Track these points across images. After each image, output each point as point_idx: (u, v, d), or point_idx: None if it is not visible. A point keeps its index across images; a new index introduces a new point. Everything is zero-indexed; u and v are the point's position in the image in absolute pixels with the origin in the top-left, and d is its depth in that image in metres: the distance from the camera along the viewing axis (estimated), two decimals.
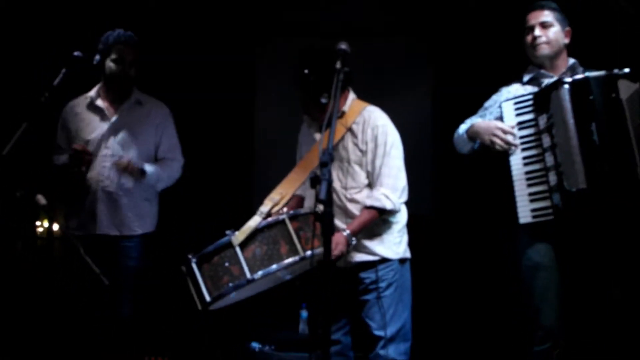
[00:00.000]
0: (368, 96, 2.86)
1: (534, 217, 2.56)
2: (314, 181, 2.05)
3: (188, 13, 4.36)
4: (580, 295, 2.52)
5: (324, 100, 2.61)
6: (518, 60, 2.85)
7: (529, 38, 2.75)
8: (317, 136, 2.79)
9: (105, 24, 3.23)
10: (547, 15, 2.73)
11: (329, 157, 2.08)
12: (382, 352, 2.69)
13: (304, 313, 3.51)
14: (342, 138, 2.75)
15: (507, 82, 2.87)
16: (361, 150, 2.73)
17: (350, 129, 2.75)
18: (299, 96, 2.75)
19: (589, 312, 2.50)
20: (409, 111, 3.99)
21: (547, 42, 2.71)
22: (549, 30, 2.72)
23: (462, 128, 2.82)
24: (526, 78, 2.79)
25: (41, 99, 2.79)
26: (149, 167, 3.15)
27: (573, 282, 2.53)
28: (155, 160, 3.26)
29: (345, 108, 2.77)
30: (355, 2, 4.25)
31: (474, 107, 2.89)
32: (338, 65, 2.27)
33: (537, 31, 2.71)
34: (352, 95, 2.82)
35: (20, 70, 4.04)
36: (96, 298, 2.99)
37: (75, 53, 2.86)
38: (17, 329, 3.63)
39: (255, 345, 3.48)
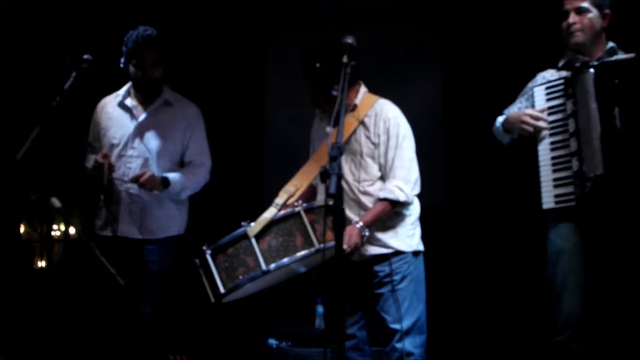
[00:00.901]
0: (378, 88, 2.87)
1: (556, 202, 2.54)
2: (324, 176, 2.06)
3: (193, 13, 4.38)
4: (600, 283, 2.48)
5: (335, 93, 2.62)
6: (529, 50, 2.84)
7: (564, 24, 2.67)
8: (329, 129, 2.79)
9: (114, 24, 3.23)
10: (582, 1, 2.65)
11: (338, 152, 2.09)
12: (398, 345, 2.68)
13: (320, 308, 3.50)
14: (355, 131, 2.76)
15: (519, 72, 2.86)
16: (373, 143, 2.74)
17: (362, 122, 2.76)
18: (309, 90, 2.76)
19: (610, 301, 2.46)
20: (419, 102, 3.99)
21: (582, 30, 2.64)
22: (585, 17, 2.63)
23: (499, 120, 2.82)
24: (561, 63, 2.74)
25: (52, 102, 2.79)
26: (172, 177, 3.06)
27: (594, 269, 2.49)
28: (181, 163, 3.19)
29: (357, 101, 2.78)
30: None
31: (485, 97, 2.89)
32: (345, 59, 2.29)
33: (572, 18, 2.64)
34: (363, 89, 2.83)
35: (31, 74, 4.06)
36: (115, 299, 2.96)
37: (85, 56, 2.85)
38: (37, 331, 3.64)
39: (272, 341, 3.49)
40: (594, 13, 2.66)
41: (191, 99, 3.28)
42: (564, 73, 2.69)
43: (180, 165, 3.20)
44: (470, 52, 4.03)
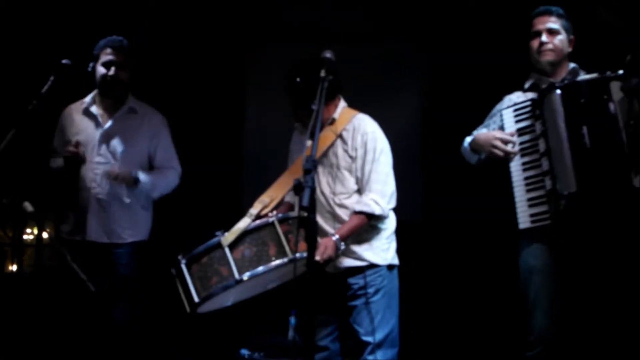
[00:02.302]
0: (356, 102, 2.90)
1: (532, 222, 2.57)
2: (298, 188, 2.07)
3: (178, 12, 4.38)
4: (570, 300, 2.52)
5: (314, 107, 2.64)
6: (507, 66, 2.89)
7: (534, 43, 2.72)
8: (309, 143, 2.82)
9: (97, 29, 3.25)
10: (554, 22, 2.71)
11: (313, 165, 2.11)
12: (370, 357, 2.70)
13: (293, 320, 3.49)
14: (332, 144, 2.79)
15: (496, 90, 2.90)
16: (351, 157, 2.77)
17: (340, 136, 2.79)
18: (290, 104, 2.79)
19: (579, 317, 2.50)
20: (398, 117, 4.05)
21: (553, 50, 2.70)
22: (556, 38, 2.70)
23: (467, 141, 2.85)
24: (527, 85, 2.81)
25: (29, 106, 2.78)
26: (142, 175, 3.14)
27: (564, 288, 2.53)
28: (149, 169, 3.24)
29: (336, 115, 2.81)
30: (344, 7, 4.29)
31: (463, 114, 2.93)
32: (322, 73, 2.33)
33: (544, 37, 2.70)
34: (342, 103, 2.86)
35: (9, 76, 4.04)
36: (85, 305, 2.94)
37: (64, 61, 2.86)
38: (8, 336, 3.59)
39: (245, 351, 3.48)
40: (563, 35, 2.73)
41: (170, 104, 3.31)
42: (530, 95, 2.74)
43: (148, 170, 3.24)
44: (450, 68, 4.08)
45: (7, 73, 4.01)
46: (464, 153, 2.88)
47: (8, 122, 2.72)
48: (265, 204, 2.60)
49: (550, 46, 2.70)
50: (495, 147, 2.67)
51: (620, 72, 2.44)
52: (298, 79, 2.69)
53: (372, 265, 2.74)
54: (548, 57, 2.71)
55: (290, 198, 2.87)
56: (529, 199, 2.58)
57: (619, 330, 2.44)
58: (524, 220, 2.59)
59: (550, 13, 2.74)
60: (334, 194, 2.76)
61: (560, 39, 2.72)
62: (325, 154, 2.78)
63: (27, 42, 4.08)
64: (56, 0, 4.09)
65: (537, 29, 2.73)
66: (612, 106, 2.44)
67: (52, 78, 2.83)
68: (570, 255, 2.51)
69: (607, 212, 2.44)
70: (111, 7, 4.11)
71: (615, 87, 2.45)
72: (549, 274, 2.56)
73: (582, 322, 2.49)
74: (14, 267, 4.45)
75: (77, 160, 3.10)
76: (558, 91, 2.53)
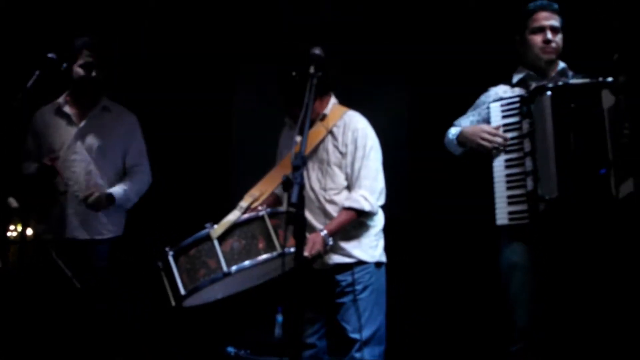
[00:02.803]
0: (344, 100, 2.90)
1: (510, 219, 2.58)
2: (286, 185, 2.07)
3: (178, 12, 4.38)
4: (549, 299, 2.53)
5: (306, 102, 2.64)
6: (493, 63, 2.89)
7: (537, 38, 2.69)
8: (299, 139, 2.82)
9: (97, 29, 3.26)
10: (556, 20, 2.69)
11: (302, 161, 2.11)
12: (357, 355, 2.69)
13: (280, 317, 3.49)
14: (323, 140, 2.79)
15: (481, 85, 2.89)
16: (341, 153, 2.77)
17: (331, 132, 2.79)
18: (283, 100, 2.78)
19: (557, 315, 2.52)
20: (383, 116, 4.01)
21: (556, 49, 2.69)
22: (557, 36, 2.70)
23: (452, 133, 2.83)
24: (515, 79, 2.80)
25: (13, 101, 2.79)
26: (116, 191, 3.18)
27: (543, 285, 2.55)
28: (123, 167, 3.30)
29: (327, 111, 2.82)
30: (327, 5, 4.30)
31: (449, 110, 2.94)
32: (312, 70, 2.33)
33: (550, 35, 2.68)
34: (333, 100, 2.87)
35: (8, 76, 4.01)
36: (70, 301, 2.96)
37: (49, 55, 2.87)
38: None
39: (231, 349, 3.46)
40: (561, 34, 2.73)
41: (157, 103, 3.33)
42: (517, 90, 2.74)
43: (122, 168, 3.31)
44: (434, 66, 4.08)
45: (7, 73, 3.97)
46: (448, 145, 2.87)
47: None
48: (255, 197, 2.59)
49: (554, 45, 2.69)
50: (484, 139, 2.66)
51: (610, 79, 2.44)
52: (294, 73, 2.68)
53: (360, 262, 2.74)
54: (550, 55, 2.70)
55: (279, 191, 2.85)
56: (509, 197, 2.59)
57: (598, 327, 2.46)
58: (502, 216, 2.60)
59: (553, 9, 2.72)
60: (324, 189, 2.76)
61: (560, 37, 2.71)
62: (315, 150, 2.78)
63: (27, 42, 4.05)
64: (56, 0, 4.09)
65: (541, 24, 2.70)
66: (601, 113, 2.44)
67: (37, 72, 2.83)
68: (546, 256, 2.53)
69: (585, 220, 2.45)
70: (111, 7, 4.11)
71: (606, 94, 2.44)
72: (529, 271, 2.58)
73: (562, 318, 2.51)
74: None
75: (51, 172, 3.12)
76: (549, 93, 2.52)
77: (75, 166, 3.17)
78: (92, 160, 3.19)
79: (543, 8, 2.71)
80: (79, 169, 3.17)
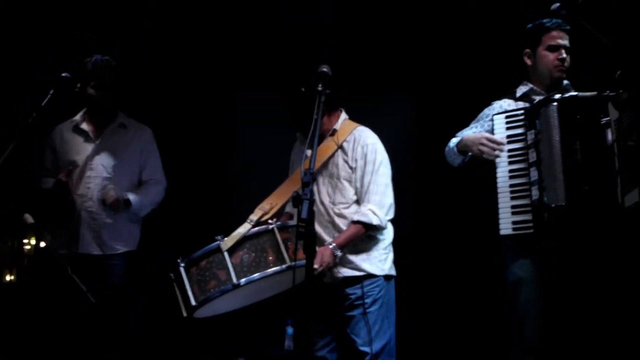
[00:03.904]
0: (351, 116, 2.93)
1: (514, 229, 2.61)
2: (296, 201, 2.10)
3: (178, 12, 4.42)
4: (556, 310, 2.54)
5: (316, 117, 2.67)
6: (499, 80, 2.93)
7: (551, 56, 2.74)
8: (309, 152, 2.85)
9: (97, 29, 3.30)
10: (568, 41, 2.74)
11: (311, 177, 2.14)
12: None
13: (290, 329, 3.50)
14: (333, 155, 2.83)
15: (487, 103, 2.93)
16: (351, 167, 2.80)
17: (341, 147, 2.83)
18: (293, 115, 2.80)
19: (566, 327, 2.52)
20: (390, 132, 4.01)
21: (567, 68, 2.75)
22: (568, 56, 2.76)
23: (453, 142, 2.88)
24: (519, 93, 2.84)
25: (28, 119, 2.87)
26: (132, 197, 3.24)
27: (551, 296, 2.56)
28: (138, 182, 3.36)
29: (337, 127, 2.86)
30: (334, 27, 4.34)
31: (455, 128, 2.97)
32: (320, 87, 2.38)
33: (565, 54, 2.73)
34: (344, 115, 2.91)
35: (8, 89, 4.09)
36: (84, 316, 3.00)
37: (63, 74, 2.96)
38: (6, 346, 3.58)
39: None
40: (569, 55, 2.77)
41: (163, 119, 3.40)
42: (521, 104, 2.79)
43: (138, 183, 3.37)
44: (441, 85, 4.10)
45: (7, 73, 4.05)
46: (448, 154, 2.90)
47: (7, 135, 2.77)
48: (265, 210, 2.63)
49: (567, 65, 2.75)
50: (484, 144, 2.69)
51: (614, 94, 2.47)
52: (303, 89, 2.71)
53: (370, 276, 2.76)
54: (562, 75, 2.76)
55: (290, 209, 2.90)
56: (513, 207, 2.62)
57: (606, 335, 2.46)
58: (505, 227, 2.62)
59: (567, 30, 2.77)
60: (334, 203, 2.79)
61: (569, 58, 2.76)
62: (325, 164, 2.82)
63: (27, 42, 4.12)
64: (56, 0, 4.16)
65: (558, 43, 2.75)
66: (607, 125, 2.47)
67: (51, 91, 2.91)
68: (551, 264, 2.54)
69: (591, 228, 2.47)
70: (111, 7, 4.16)
71: (612, 106, 2.48)
72: (536, 285, 2.59)
73: (569, 327, 2.51)
74: (12, 277, 4.45)
75: (67, 188, 3.19)
76: (555, 104, 2.57)
77: (91, 182, 3.24)
78: (109, 176, 3.25)
79: (559, 27, 2.76)
80: (94, 184, 3.23)
